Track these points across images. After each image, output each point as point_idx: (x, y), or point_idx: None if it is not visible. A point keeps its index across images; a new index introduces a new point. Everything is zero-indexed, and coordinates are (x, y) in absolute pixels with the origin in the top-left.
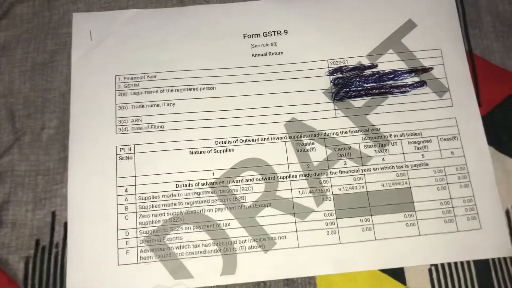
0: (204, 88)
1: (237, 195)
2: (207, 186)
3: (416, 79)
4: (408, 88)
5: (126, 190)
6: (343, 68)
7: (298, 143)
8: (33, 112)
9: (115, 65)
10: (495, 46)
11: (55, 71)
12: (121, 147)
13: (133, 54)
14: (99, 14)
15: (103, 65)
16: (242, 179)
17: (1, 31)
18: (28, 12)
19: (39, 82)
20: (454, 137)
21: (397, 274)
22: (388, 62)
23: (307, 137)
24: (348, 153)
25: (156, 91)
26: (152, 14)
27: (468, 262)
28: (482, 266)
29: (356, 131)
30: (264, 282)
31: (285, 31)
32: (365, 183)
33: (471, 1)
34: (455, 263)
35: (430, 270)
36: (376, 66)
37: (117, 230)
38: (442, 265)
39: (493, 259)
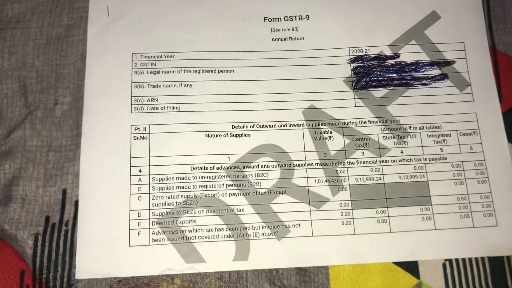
0: (222, 71)
1: (252, 181)
2: (222, 170)
3: (437, 72)
4: (429, 80)
5: (140, 171)
6: (365, 57)
7: (315, 131)
8: (47, 87)
9: (132, 42)
10: None
11: (71, 46)
12: (136, 126)
13: (151, 32)
14: None
15: (120, 42)
16: (258, 165)
17: (15, 2)
18: None
19: (54, 56)
20: (474, 132)
21: (411, 267)
22: (410, 53)
23: (325, 125)
24: (366, 143)
25: (174, 71)
26: None
27: (482, 258)
28: (497, 263)
29: (375, 122)
30: (277, 270)
31: (307, 16)
32: (383, 174)
33: None
34: (470, 259)
35: (444, 265)
36: (398, 56)
37: (129, 210)
38: (457, 260)
39: (508, 257)
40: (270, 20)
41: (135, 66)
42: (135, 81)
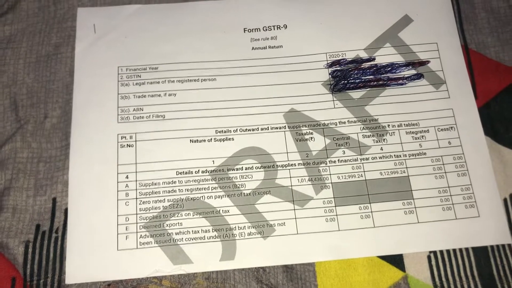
0: (205, 80)
1: (237, 183)
2: (207, 173)
3: (413, 71)
4: (405, 80)
5: (127, 177)
6: (342, 61)
7: (297, 132)
8: (36, 102)
9: (118, 57)
10: (490, 41)
11: (59, 63)
12: (122, 135)
13: (136, 46)
14: (103, 9)
15: (106, 57)
16: (242, 167)
17: (7, 24)
18: (33, 7)
19: (43, 73)
20: (451, 127)
21: (396, 261)
22: (386, 56)
23: (306, 127)
24: (346, 142)
25: (158, 82)
26: (155, 9)
27: (467, 249)
28: (481, 253)
29: (355, 122)
30: (263, 268)
31: (285, 26)
32: (364, 171)
33: None
34: (454, 250)
35: (429, 257)
36: (374, 59)
37: (117, 215)
38: (441, 252)
39: (491, 246)
40: (249, 30)
41: (121, 78)
42: (121, 92)
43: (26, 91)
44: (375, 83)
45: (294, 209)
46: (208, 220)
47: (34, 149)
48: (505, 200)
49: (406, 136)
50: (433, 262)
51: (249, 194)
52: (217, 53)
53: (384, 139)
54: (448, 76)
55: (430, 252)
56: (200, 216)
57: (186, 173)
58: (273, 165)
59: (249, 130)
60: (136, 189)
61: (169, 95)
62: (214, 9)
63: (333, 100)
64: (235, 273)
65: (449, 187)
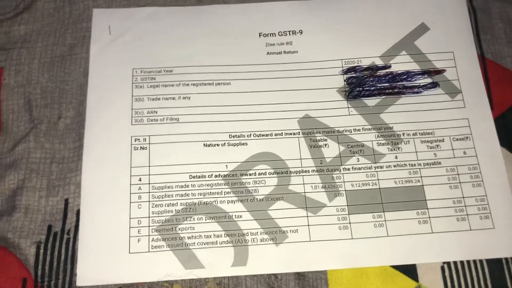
0: (219, 83)
1: (250, 188)
2: (220, 178)
3: (428, 80)
4: (421, 89)
5: (140, 180)
6: (357, 68)
7: (311, 139)
8: (50, 102)
9: (132, 59)
10: (507, 51)
11: (74, 63)
12: (136, 137)
13: (151, 49)
14: (118, 10)
15: (121, 58)
16: (255, 173)
17: (23, 24)
18: (49, 7)
19: (58, 73)
20: (467, 137)
21: (409, 270)
22: (401, 63)
23: (320, 133)
24: (361, 150)
25: (172, 85)
26: (170, 12)
27: (481, 261)
28: (495, 265)
29: (369, 129)
30: (275, 275)
31: (300, 31)
32: (378, 180)
33: (483, 8)
34: (468, 262)
35: (442, 268)
36: (389, 67)
37: (130, 218)
38: (455, 263)
39: (506, 259)
40: (265, 35)
41: (135, 80)
42: (136, 94)
43: (40, 91)
44: (391, 91)
45: (307, 216)
46: (221, 225)
47: (47, 149)
48: None
49: (421, 145)
50: (447, 273)
51: (262, 199)
52: (232, 57)
53: (398, 148)
54: (464, 86)
55: (444, 262)
56: (213, 220)
57: (199, 177)
58: (287, 171)
59: (263, 135)
60: (149, 192)
61: (183, 98)
62: (229, 13)
63: (348, 107)
64: (247, 279)
65: (463, 197)
